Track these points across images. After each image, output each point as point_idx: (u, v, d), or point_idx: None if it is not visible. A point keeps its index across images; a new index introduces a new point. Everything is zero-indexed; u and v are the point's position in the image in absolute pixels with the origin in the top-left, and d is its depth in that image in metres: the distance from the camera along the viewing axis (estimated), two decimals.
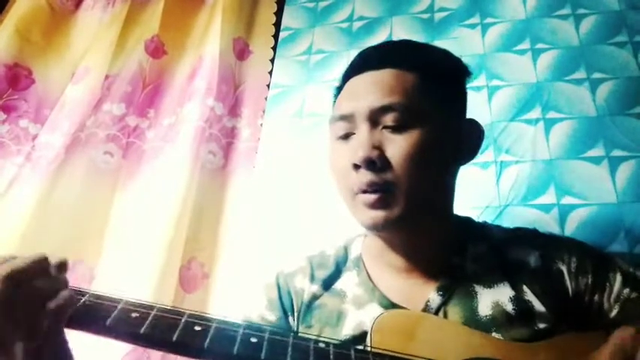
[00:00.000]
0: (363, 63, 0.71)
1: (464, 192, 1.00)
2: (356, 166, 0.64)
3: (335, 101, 0.76)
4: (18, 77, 1.40)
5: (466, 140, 0.71)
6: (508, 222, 0.94)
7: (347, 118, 0.67)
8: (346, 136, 0.68)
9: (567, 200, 0.95)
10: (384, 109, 0.64)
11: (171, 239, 1.08)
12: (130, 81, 1.35)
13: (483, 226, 0.76)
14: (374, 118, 0.65)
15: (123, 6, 1.51)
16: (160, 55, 1.42)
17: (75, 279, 1.03)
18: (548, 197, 0.96)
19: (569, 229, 0.92)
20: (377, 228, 0.65)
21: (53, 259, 0.51)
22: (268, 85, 1.32)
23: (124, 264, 1.09)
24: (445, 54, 0.75)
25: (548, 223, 0.93)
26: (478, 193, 1.00)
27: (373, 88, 0.66)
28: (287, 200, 1.13)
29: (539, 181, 0.98)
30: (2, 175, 1.24)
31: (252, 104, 1.33)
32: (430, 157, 0.64)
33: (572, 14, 1.16)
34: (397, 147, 0.63)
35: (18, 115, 1.36)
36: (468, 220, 0.77)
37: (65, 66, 1.46)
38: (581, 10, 1.15)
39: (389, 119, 0.64)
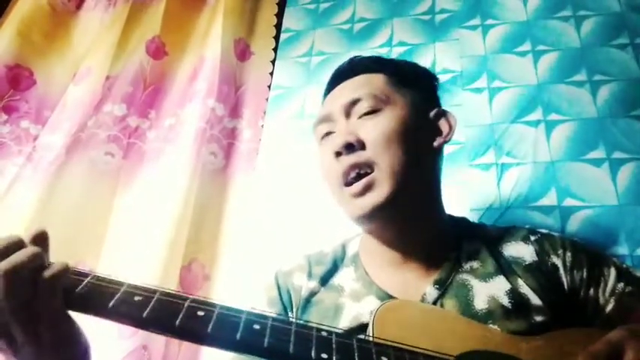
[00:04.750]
0: (338, 77, 0.80)
1: (465, 193, 1.00)
2: (337, 154, 0.69)
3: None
4: (19, 78, 1.40)
5: (437, 124, 0.76)
6: (509, 224, 0.94)
7: (326, 118, 0.75)
8: (328, 135, 0.75)
9: (568, 202, 0.95)
10: (354, 102, 0.72)
11: (171, 240, 1.08)
12: (131, 82, 1.35)
13: (478, 225, 0.79)
14: (348, 111, 0.72)
15: (124, 7, 1.51)
16: (161, 55, 1.42)
17: None
18: (550, 199, 0.96)
19: (570, 232, 0.92)
20: (367, 217, 0.67)
21: (27, 236, 0.52)
22: (269, 87, 1.32)
23: (124, 264, 1.09)
24: (412, 63, 0.85)
25: (549, 226, 0.92)
26: (479, 195, 1.00)
27: (345, 90, 0.75)
28: (288, 201, 1.13)
29: (541, 183, 0.98)
30: (3, 176, 1.24)
31: (253, 105, 1.33)
32: (402, 135, 0.68)
33: (573, 16, 1.16)
34: (369, 128, 0.69)
35: (19, 115, 1.36)
36: (462, 219, 0.79)
37: (66, 67, 1.46)
38: (582, 12, 1.15)
39: (360, 108, 0.71)
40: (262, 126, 1.27)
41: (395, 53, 1.24)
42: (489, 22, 1.21)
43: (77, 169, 1.21)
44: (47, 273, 0.48)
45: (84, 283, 0.50)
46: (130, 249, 1.12)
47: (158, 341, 0.98)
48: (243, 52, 1.41)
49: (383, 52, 1.25)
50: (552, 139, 1.02)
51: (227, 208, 1.20)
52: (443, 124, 0.76)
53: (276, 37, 1.40)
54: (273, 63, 1.36)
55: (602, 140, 0.99)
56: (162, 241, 1.07)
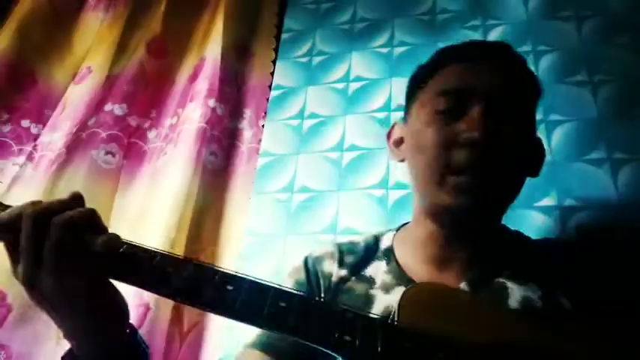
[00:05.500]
0: (482, 52, 0.70)
1: None
2: (467, 144, 0.61)
3: (419, 79, 0.74)
4: (20, 77, 1.40)
5: (536, 155, 0.72)
6: (510, 224, 0.93)
7: (460, 92, 0.65)
8: (450, 112, 0.65)
9: (569, 203, 0.95)
10: (507, 94, 0.64)
11: (172, 239, 1.08)
12: (132, 81, 1.35)
13: (518, 233, 0.77)
14: (493, 101, 0.63)
15: (125, 7, 1.51)
16: (162, 55, 1.42)
17: None
18: (550, 200, 0.95)
19: (570, 232, 0.92)
20: (461, 212, 0.63)
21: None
22: (270, 87, 1.32)
23: None
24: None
25: (549, 226, 0.92)
26: None
27: (496, 74, 0.66)
28: (288, 202, 1.12)
29: (541, 183, 0.98)
30: (4, 175, 1.24)
31: (253, 105, 1.33)
32: (527, 155, 0.67)
33: (573, 16, 1.16)
34: (511, 138, 0.62)
35: (20, 114, 1.36)
36: (503, 226, 0.77)
37: (67, 66, 1.47)
38: (583, 12, 1.15)
39: (505, 105, 0.64)
40: (263, 126, 1.27)
41: (396, 53, 1.24)
42: (490, 22, 1.21)
43: (78, 169, 1.21)
44: (103, 238, 0.50)
45: (121, 249, 0.53)
46: None
47: (159, 341, 0.98)
48: (243, 52, 1.41)
49: (384, 52, 1.25)
50: (553, 139, 1.02)
51: (227, 208, 1.20)
52: (539, 153, 0.73)
53: (277, 37, 1.40)
54: (273, 63, 1.36)
55: (602, 141, 0.99)
56: (163, 241, 1.07)
